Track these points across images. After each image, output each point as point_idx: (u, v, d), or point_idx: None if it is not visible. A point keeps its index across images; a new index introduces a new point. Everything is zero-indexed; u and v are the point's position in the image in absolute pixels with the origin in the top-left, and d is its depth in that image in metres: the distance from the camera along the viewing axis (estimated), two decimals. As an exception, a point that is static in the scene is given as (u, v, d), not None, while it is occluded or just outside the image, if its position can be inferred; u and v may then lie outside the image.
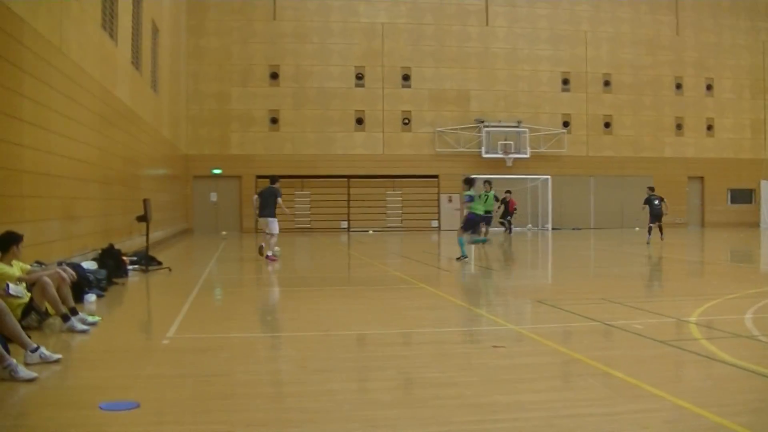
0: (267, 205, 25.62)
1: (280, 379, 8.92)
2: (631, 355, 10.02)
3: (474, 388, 8.19)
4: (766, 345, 10.35)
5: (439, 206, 49.57)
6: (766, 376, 8.37)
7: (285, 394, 8.21)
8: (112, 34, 23.84)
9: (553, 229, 47.54)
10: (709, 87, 53.74)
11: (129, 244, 23.85)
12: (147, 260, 21.36)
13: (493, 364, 9.38)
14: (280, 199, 25.73)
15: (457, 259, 24.61)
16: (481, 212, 25.78)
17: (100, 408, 7.25)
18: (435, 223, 49.35)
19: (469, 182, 24.38)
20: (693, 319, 12.32)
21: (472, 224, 25.37)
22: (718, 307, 14.02)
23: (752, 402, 7.37)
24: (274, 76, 47.71)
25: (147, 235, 21.94)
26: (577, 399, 7.71)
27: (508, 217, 42.39)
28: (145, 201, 21.98)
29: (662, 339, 10.78)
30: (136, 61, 28.12)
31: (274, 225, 25.64)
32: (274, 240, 25.87)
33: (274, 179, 26.36)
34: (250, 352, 10.40)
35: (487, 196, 32.68)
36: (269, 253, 25.58)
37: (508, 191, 42.76)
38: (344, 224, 47.53)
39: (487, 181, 33.72)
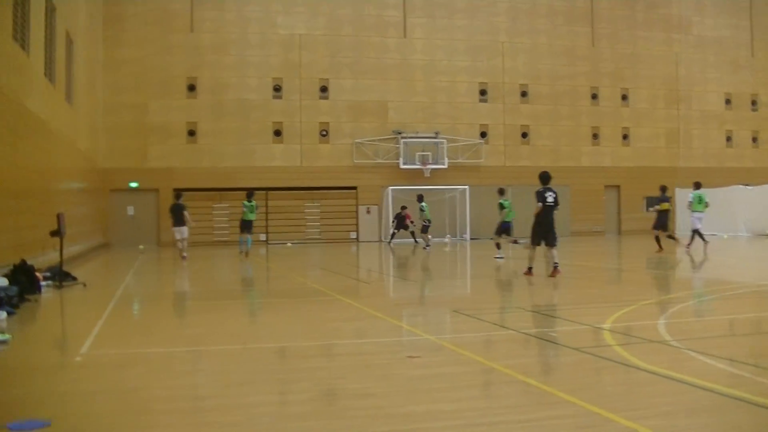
0: (178, 217, 32.10)
1: (197, 394, 8.79)
2: (545, 363, 10.14)
3: (389, 398, 8.17)
4: (676, 349, 10.46)
5: (357, 218, 49.61)
6: (676, 380, 8.46)
7: (201, 408, 8.08)
8: (24, 45, 23.45)
9: (471, 239, 47.66)
10: (624, 97, 54.52)
11: (43, 259, 23.44)
12: (61, 276, 21.02)
13: (409, 375, 9.34)
14: (186, 213, 32.25)
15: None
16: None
17: (9, 428, 7.07)
18: (354, 235, 49.37)
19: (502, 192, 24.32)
20: (607, 325, 12.41)
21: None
22: (633, 313, 14.15)
23: (662, 406, 7.44)
24: (192, 87, 47.42)
25: (61, 249, 21.59)
26: (492, 407, 7.72)
27: (410, 230, 42.57)
28: (58, 215, 21.63)
29: (576, 346, 10.86)
30: (49, 72, 27.71)
31: (185, 230, 32.34)
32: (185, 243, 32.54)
33: (179, 195, 33.26)
34: (167, 367, 10.24)
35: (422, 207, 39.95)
36: (185, 254, 31.71)
37: (404, 207, 42.92)
38: (263, 237, 47.28)
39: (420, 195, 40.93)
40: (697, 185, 35.13)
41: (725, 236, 46.78)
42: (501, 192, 34.10)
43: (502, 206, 32.69)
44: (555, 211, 22.34)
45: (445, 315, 15.10)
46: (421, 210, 40.65)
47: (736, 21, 57.55)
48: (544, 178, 22.65)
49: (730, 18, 57.44)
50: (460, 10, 51.45)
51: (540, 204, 22.13)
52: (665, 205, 33.13)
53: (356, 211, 49.68)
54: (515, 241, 34.86)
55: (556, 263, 21.76)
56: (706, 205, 34.33)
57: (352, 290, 21.06)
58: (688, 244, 33.75)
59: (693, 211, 34.26)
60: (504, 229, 32.70)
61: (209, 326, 14.08)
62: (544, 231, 22.12)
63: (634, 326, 12.74)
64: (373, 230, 49.43)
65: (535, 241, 22.26)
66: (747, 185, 49.75)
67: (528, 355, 10.73)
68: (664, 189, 33.21)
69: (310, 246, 45.12)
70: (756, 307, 15.25)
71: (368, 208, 49.52)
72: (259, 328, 13.81)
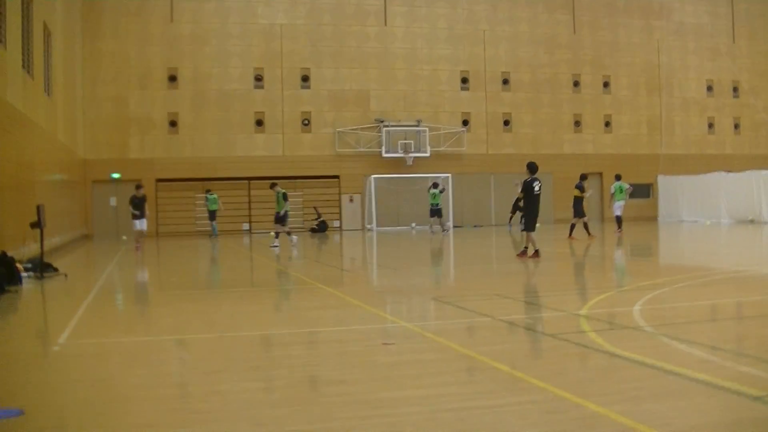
0: (142, 210, 32.89)
1: (171, 382, 8.82)
2: (519, 350, 10.19)
3: (361, 385, 8.22)
4: (649, 335, 10.53)
5: (340, 207, 49.63)
6: (647, 366, 8.53)
7: (174, 396, 8.12)
8: (1, 38, 23.40)
9: (454, 227, 47.71)
10: (606, 84, 54.66)
11: (24, 251, 23.42)
12: (42, 267, 21.02)
13: (383, 362, 9.40)
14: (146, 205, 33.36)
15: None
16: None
17: (-19, 417, 7.10)
18: (337, 224, 49.38)
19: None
20: (583, 312, 12.49)
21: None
22: (609, 299, 14.25)
23: (631, 390, 7.50)
24: (173, 78, 47.33)
25: (41, 241, 21.58)
26: (462, 393, 7.74)
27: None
28: (38, 207, 21.63)
29: (551, 332, 10.97)
30: (27, 65, 27.63)
31: (145, 223, 33.18)
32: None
33: (140, 186, 34.10)
34: (143, 356, 10.25)
35: (434, 194, 42.90)
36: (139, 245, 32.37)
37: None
38: (246, 226, 47.28)
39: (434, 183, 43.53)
40: (618, 177, 37.92)
41: (707, 222, 46.99)
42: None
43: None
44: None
45: (424, 302, 15.16)
46: (430, 195, 43.36)
47: (716, 8, 57.66)
48: (532, 168, 23.70)
49: (711, 5, 57.55)
50: (441, -2, 51.50)
51: (520, 191, 23.84)
52: (576, 192, 34.32)
53: (339, 200, 49.71)
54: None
55: (536, 248, 23.21)
56: (627, 194, 37.45)
57: (334, 279, 21.12)
58: (618, 230, 36.44)
59: (615, 200, 37.01)
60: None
61: (188, 315, 14.12)
62: (533, 217, 23.56)
63: (609, 312, 12.83)
64: (356, 219, 49.47)
65: (530, 227, 23.50)
66: (728, 172, 49.92)
67: (502, 341, 10.75)
68: (583, 177, 34.24)
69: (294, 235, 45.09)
70: (731, 293, 15.32)
71: (351, 196, 49.56)
72: (238, 317, 13.82)
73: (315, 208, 48.02)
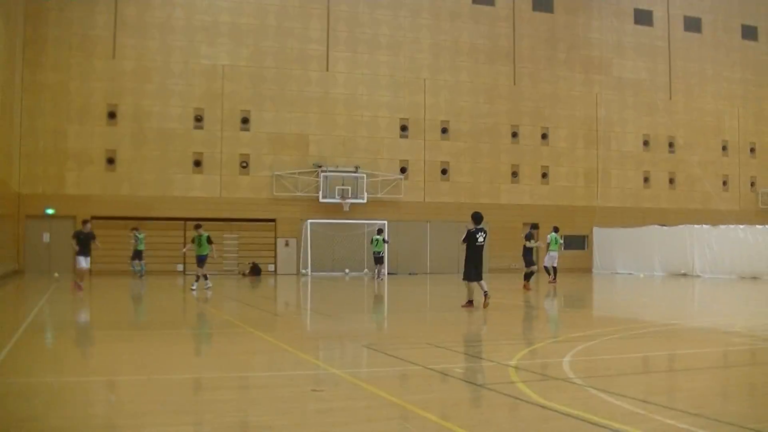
0: (87, 246, 30.52)
1: (94, 424, 8.70)
2: (447, 399, 10.15)
3: (290, 430, 8.19)
4: (578, 387, 10.58)
5: (276, 250, 49.46)
6: (573, 417, 8.57)
7: (96, 439, 8.04)
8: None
9: (389, 273, 47.72)
10: (544, 136, 55.18)
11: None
12: (-30, 301, 20.77)
13: (310, 408, 9.37)
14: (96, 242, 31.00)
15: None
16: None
17: None
18: (272, 267, 49.21)
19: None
20: (513, 362, 12.50)
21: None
22: (540, 350, 14.32)
23: (556, 443, 7.53)
24: (112, 114, 47.03)
25: (-30, 275, 21.32)
26: (388, 442, 7.71)
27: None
28: (-31, 240, 21.40)
29: (480, 383, 11.00)
30: (-36, 96, 27.37)
31: (89, 260, 31.00)
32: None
33: (86, 221, 31.98)
34: (68, 397, 10.12)
35: (377, 240, 42.72)
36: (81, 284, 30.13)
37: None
38: (180, 267, 46.93)
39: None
40: (555, 229, 38.98)
41: (641, 275, 47.47)
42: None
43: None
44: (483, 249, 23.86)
45: (356, 349, 15.12)
46: (373, 242, 43.02)
47: (655, 65, 58.59)
48: (477, 218, 23.97)
49: (649, 61, 58.48)
50: (383, 45, 51.81)
51: (462, 240, 23.77)
52: (526, 242, 35.24)
53: (275, 244, 49.55)
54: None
55: (485, 291, 23.19)
56: (561, 245, 39.18)
57: (266, 323, 21.03)
58: (552, 280, 37.05)
59: (549, 250, 38.06)
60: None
61: (117, 356, 13.96)
62: (474, 267, 23.51)
63: (539, 363, 12.90)
64: (291, 263, 49.31)
65: (469, 276, 23.52)
66: (663, 225, 50.53)
67: (432, 390, 10.74)
68: (533, 227, 35.56)
69: (228, 278, 44.88)
70: (661, 345, 15.44)
71: (287, 240, 49.44)
72: (168, 359, 13.70)
73: (252, 263, 48.13)
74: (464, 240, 23.57)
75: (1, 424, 8.46)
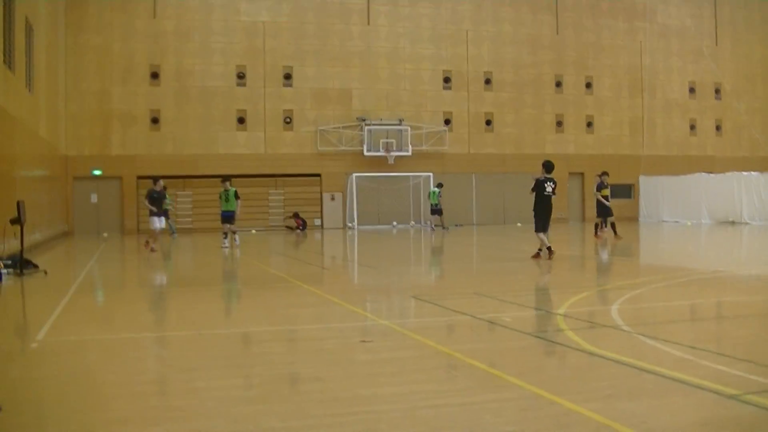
0: (160, 206, 29.98)
1: (147, 379, 8.78)
2: (496, 348, 10.16)
3: (337, 382, 8.23)
4: (626, 334, 10.55)
5: (321, 205, 49.55)
6: (623, 364, 8.54)
7: (149, 392, 8.10)
8: (-18, 32, 23.25)
9: (436, 226, 47.64)
10: (588, 85, 54.69)
11: (3, 247, 23.30)
12: (22, 263, 20.91)
13: (359, 359, 9.43)
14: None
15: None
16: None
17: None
18: (318, 222, 49.31)
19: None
20: (562, 311, 12.50)
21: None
22: (588, 299, 14.30)
23: (605, 389, 7.51)
24: (155, 74, 47.14)
25: (21, 237, 21.48)
26: (438, 391, 7.75)
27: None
28: (18, 203, 21.54)
29: (529, 331, 10.98)
30: (8, 59, 27.45)
31: (164, 221, 30.90)
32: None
33: (157, 180, 30.92)
34: (120, 353, 10.22)
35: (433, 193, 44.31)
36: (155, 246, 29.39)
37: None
38: (227, 224, 47.04)
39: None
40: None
41: (688, 223, 47.12)
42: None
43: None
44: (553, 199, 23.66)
45: (401, 300, 15.17)
46: (430, 195, 44.87)
47: (700, 10, 57.81)
48: (548, 167, 23.79)
49: (694, 7, 57.71)
50: (424, -3, 51.50)
51: (531, 190, 23.52)
52: (605, 192, 33.60)
53: (320, 198, 49.63)
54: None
55: (549, 246, 23.00)
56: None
57: (314, 277, 21.11)
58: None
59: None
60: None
61: (166, 312, 14.11)
62: (542, 217, 23.29)
63: (587, 311, 12.87)
64: (337, 217, 49.41)
65: (539, 227, 23.23)
66: (710, 173, 50.10)
67: (479, 339, 10.76)
68: (603, 174, 33.79)
69: (275, 233, 45.04)
70: (709, 293, 15.36)
71: (332, 195, 49.48)
72: (217, 314, 13.82)
73: (296, 215, 47.97)
74: (533, 189, 23.20)
75: (59, 381, 8.57)
